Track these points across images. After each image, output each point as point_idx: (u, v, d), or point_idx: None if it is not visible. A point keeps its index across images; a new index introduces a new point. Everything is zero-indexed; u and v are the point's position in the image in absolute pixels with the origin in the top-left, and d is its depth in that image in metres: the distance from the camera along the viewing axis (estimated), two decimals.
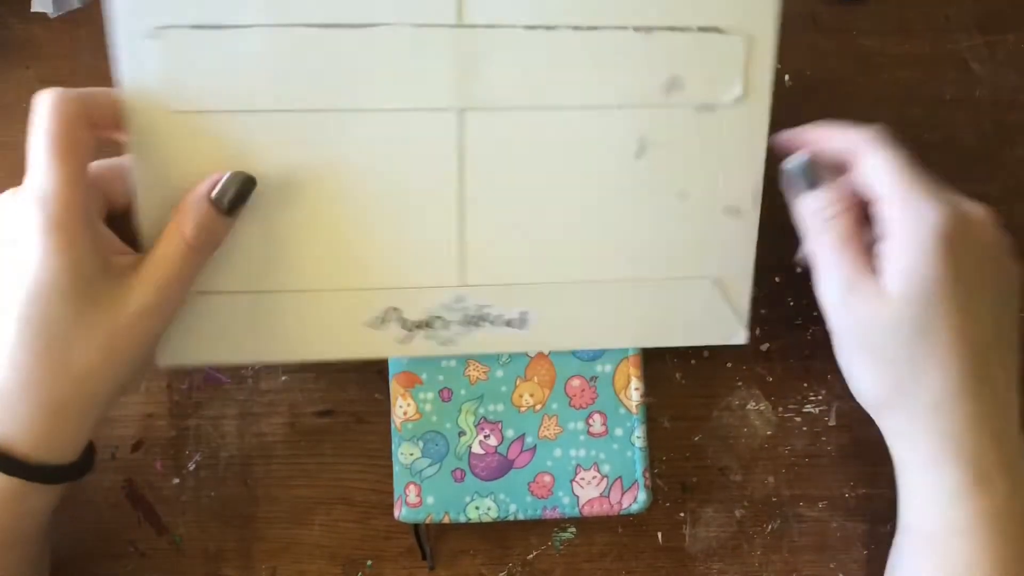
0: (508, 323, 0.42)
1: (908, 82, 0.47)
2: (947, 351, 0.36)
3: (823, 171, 0.39)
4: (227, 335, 0.40)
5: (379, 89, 0.38)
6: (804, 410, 0.46)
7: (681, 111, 0.40)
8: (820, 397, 0.46)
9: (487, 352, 0.43)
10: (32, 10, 0.46)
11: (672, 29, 0.38)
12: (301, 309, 0.40)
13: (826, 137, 0.40)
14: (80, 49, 0.47)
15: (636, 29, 0.38)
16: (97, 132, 0.37)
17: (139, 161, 0.38)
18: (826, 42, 0.48)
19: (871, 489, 0.45)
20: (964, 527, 0.37)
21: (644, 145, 0.40)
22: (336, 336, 0.41)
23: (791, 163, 0.39)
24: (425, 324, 0.41)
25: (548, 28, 0.38)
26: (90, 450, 0.40)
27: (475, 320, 0.42)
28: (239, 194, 0.38)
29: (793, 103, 0.48)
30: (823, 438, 0.46)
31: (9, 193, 0.37)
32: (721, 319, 0.42)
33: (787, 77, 0.47)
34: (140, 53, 0.37)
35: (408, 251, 0.40)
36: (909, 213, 0.36)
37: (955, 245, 0.36)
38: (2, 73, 0.47)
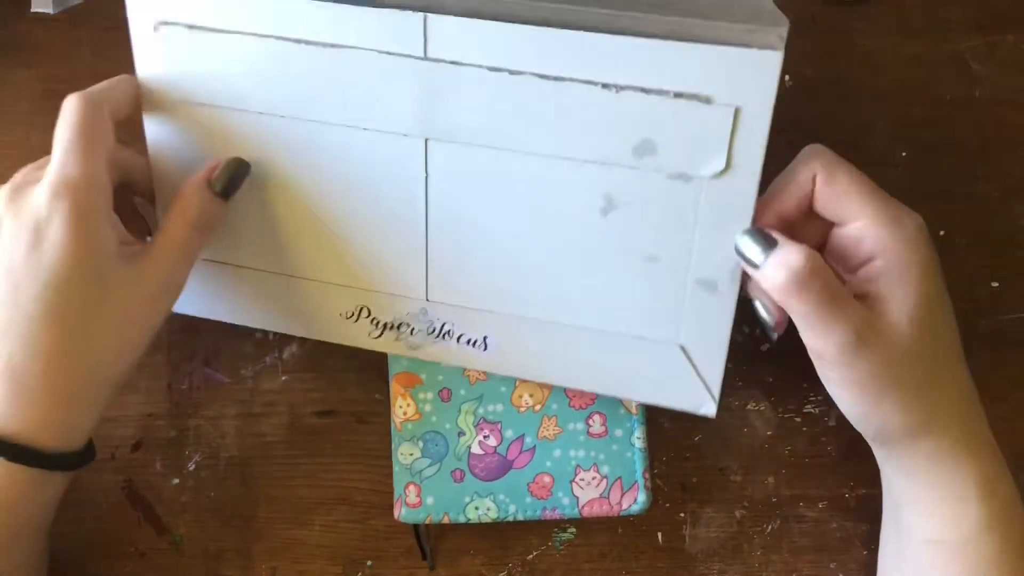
0: (470, 343, 0.42)
1: (908, 82, 0.47)
2: (956, 360, 0.37)
3: (771, 233, 0.36)
4: (229, 299, 0.44)
5: (350, 108, 0.39)
6: (804, 410, 0.46)
7: (653, 175, 0.37)
8: (820, 397, 0.46)
9: (452, 364, 0.43)
10: (32, 10, 0.46)
11: (645, 91, 0.35)
12: (289, 291, 0.43)
13: (775, 193, 0.38)
14: (80, 49, 0.47)
15: (604, 86, 0.36)
16: (118, 123, 0.39)
17: (154, 142, 0.41)
18: (826, 42, 0.48)
19: (871, 489, 0.45)
20: (991, 524, 0.37)
21: (611, 203, 0.38)
22: (317, 320, 0.43)
23: (742, 236, 0.36)
24: (394, 327, 0.42)
25: (512, 73, 0.36)
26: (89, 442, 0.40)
27: (439, 334, 0.42)
28: (233, 179, 0.40)
29: (793, 103, 0.47)
30: (823, 438, 0.46)
31: (27, 171, 0.38)
32: (688, 385, 0.40)
33: (787, 77, 0.47)
34: (148, 44, 0.40)
35: (379, 258, 0.41)
36: (898, 238, 0.35)
37: (932, 258, 0.36)
38: (2, 73, 0.47)
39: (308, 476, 0.46)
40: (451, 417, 0.44)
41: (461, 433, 0.44)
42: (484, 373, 0.44)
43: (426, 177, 0.39)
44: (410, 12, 0.36)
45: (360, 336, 0.43)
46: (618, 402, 0.43)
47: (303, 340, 0.46)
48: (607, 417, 0.44)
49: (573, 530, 0.46)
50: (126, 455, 0.46)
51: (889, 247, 0.35)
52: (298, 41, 0.38)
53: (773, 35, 0.34)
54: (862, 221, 0.36)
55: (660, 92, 0.35)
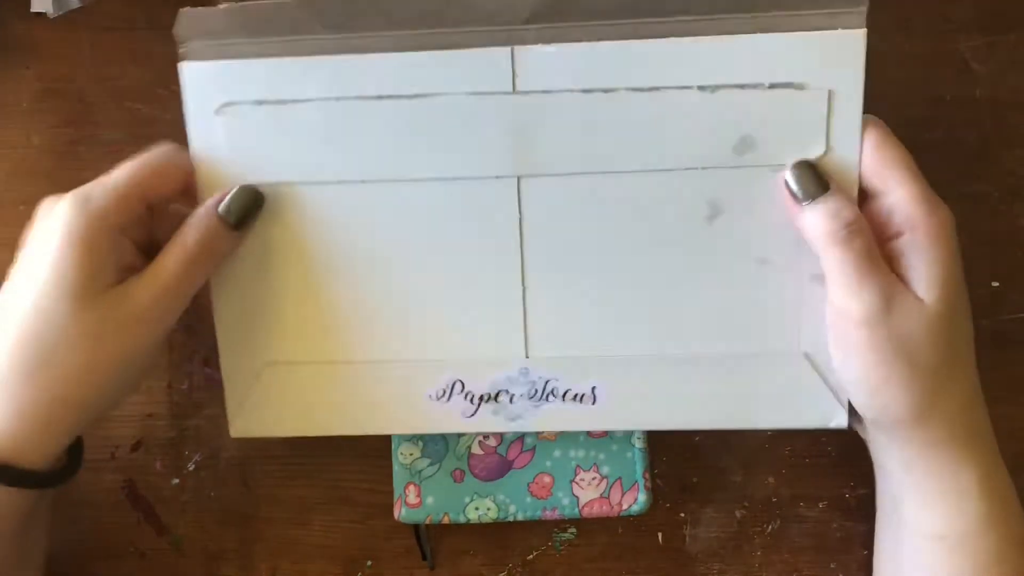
0: (577, 398, 0.40)
1: (908, 82, 0.47)
2: (969, 354, 0.37)
3: (823, 174, 0.37)
4: (295, 406, 0.41)
5: (437, 158, 0.38)
6: None
7: (756, 171, 0.37)
8: None
9: (560, 429, 0.41)
10: (32, 10, 0.46)
11: (740, 87, 0.36)
12: (367, 380, 0.40)
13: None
14: (80, 49, 0.47)
15: (701, 88, 0.36)
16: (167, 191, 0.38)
17: None
18: None
19: (871, 489, 0.45)
20: (990, 520, 0.37)
21: (716, 208, 0.38)
22: (401, 409, 0.40)
23: (798, 165, 0.37)
24: (491, 398, 0.40)
25: (605, 91, 0.36)
26: (75, 459, 0.39)
27: (542, 395, 0.40)
28: (244, 208, 0.38)
29: None
30: (823, 438, 0.46)
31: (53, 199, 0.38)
32: (815, 397, 0.39)
33: None
34: (208, 128, 0.38)
35: (471, 322, 0.39)
36: (933, 220, 0.35)
37: (958, 251, 0.37)
38: (2, 73, 0.47)
39: (308, 476, 0.46)
40: None
41: (461, 433, 0.44)
42: None
43: (520, 219, 0.38)
44: (497, 48, 0.36)
45: (452, 418, 0.40)
46: None
47: None
48: None
49: (573, 530, 0.46)
50: (126, 455, 0.46)
51: (920, 226, 0.36)
52: (379, 97, 0.37)
53: (855, 15, 0.36)
54: (899, 195, 0.36)
55: (755, 86, 0.36)
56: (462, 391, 0.40)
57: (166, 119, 0.46)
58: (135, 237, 0.38)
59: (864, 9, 0.36)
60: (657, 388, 0.40)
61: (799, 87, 0.36)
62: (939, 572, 0.38)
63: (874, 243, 0.36)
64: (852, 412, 0.40)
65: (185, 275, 0.37)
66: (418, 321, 0.40)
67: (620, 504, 0.43)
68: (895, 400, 0.36)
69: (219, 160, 0.38)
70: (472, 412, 0.40)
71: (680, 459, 0.46)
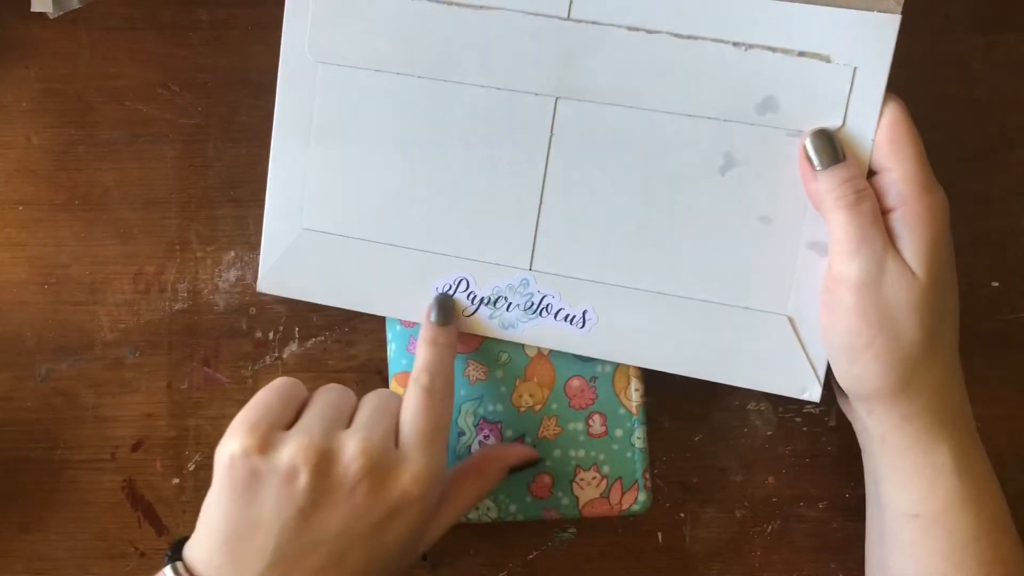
0: (568, 319, 0.42)
1: (908, 82, 0.47)
2: (951, 333, 0.38)
3: (840, 146, 0.38)
4: (319, 275, 0.43)
5: (488, 68, 0.41)
6: (804, 410, 0.46)
7: (773, 132, 0.39)
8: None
9: (545, 346, 0.43)
10: (32, 10, 0.46)
11: (772, 49, 0.39)
12: (385, 262, 0.43)
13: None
14: (80, 49, 0.47)
15: (735, 44, 0.39)
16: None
17: (283, 100, 0.42)
18: None
19: None
20: (966, 498, 0.38)
21: (730, 161, 0.40)
22: (409, 296, 0.43)
23: (817, 133, 0.38)
24: (491, 302, 0.42)
25: (649, 32, 0.39)
26: None
27: (537, 309, 0.42)
28: (446, 309, 0.42)
29: None
30: (823, 438, 0.46)
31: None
32: (793, 366, 0.41)
33: None
34: (301, 6, 0.41)
35: (488, 224, 0.42)
36: (925, 200, 0.37)
37: (947, 232, 0.38)
38: (2, 73, 0.47)
39: None
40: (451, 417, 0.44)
41: (461, 433, 0.44)
42: (484, 373, 0.44)
43: (550, 137, 0.41)
44: None
45: None
46: (618, 402, 0.43)
47: (303, 339, 0.46)
48: (607, 417, 0.44)
49: (573, 530, 0.45)
50: (126, 455, 0.46)
51: (911, 204, 0.37)
52: (448, 4, 0.40)
53: (893, 1, 0.38)
54: (899, 172, 0.37)
55: (785, 51, 0.38)
56: (466, 289, 0.42)
57: (166, 119, 0.46)
58: None
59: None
60: (644, 325, 0.42)
61: (826, 59, 0.38)
62: (916, 551, 0.38)
63: (879, 213, 0.37)
64: (838, 390, 0.40)
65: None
66: (441, 216, 0.42)
67: (620, 504, 0.43)
68: (874, 369, 0.38)
69: (303, 40, 0.42)
70: (471, 312, 0.42)
71: (680, 459, 0.46)
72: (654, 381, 0.45)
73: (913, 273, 0.37)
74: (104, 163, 0.47)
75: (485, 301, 0.42)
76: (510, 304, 0.42)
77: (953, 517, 0.38)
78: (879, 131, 0.38)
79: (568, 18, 0.40)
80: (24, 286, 0.46)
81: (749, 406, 0.46)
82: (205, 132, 0.46)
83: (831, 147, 0.38)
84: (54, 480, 0.46)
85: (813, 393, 0.41)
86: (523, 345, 0.43)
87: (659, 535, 0.46)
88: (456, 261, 0.42)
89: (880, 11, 0.38)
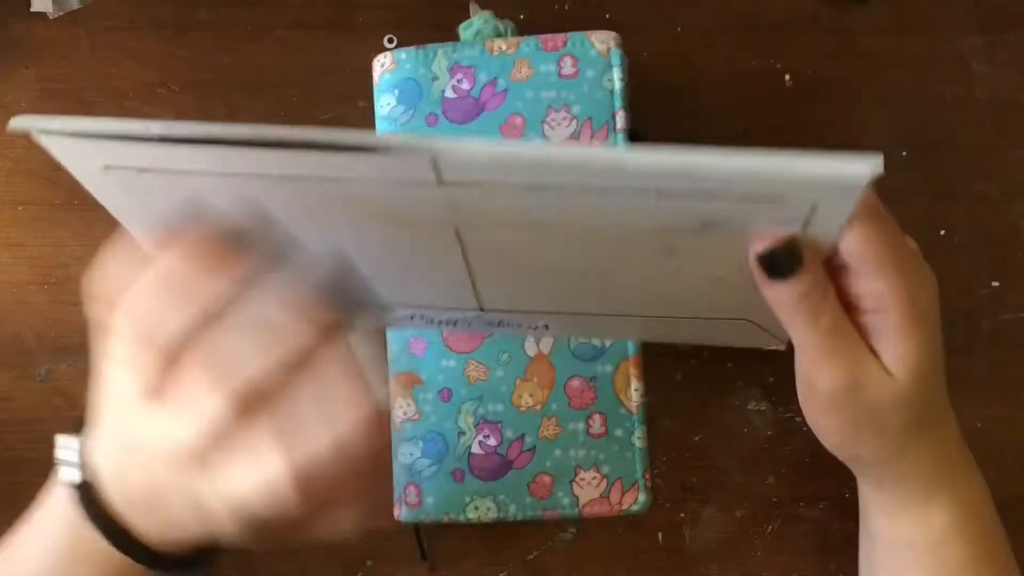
0: (532, 328, 0.41)
1: (908, 82, 0.47)
2: (942, 404, 0.37)
3: (799, 251, 0.32)
4: None
5: (370, 215, 0.32)
6: None
7: (719, 235, 0.31)
8: None
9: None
10: (32, 10, 0.46)
11: (708, 195, 0.29)
12: None
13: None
14: (80, 49, 0.47)
15: (659, 194, 0.28)
16: None
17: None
18: (826, 42, 0.48)
19: None
20: (959, 530, 0.37)
21: (673, 249, 0.33)
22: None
23: (773, 246, 0.32)
24: (451, 323, 0.40)
25: (554, 187, 0.29)
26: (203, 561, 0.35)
27: (497, 324, 0.40)
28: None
29: (793, 103, 0.48)
30: None
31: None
32: (760, 338, 0.40)
33: (787, 77, 0.47)
34: (101, 185, 0.31)
35: (425, 289, 0.37)
36: (904, 290, 0.34)
37: (936, 317, 0.35)
38: (2, 73, 0.47)
39: None
40: (451, 417, 0.44)
41: (461, 433, 0.44)
42: (484, 373, 0.44)
43: (463, 250, 0.33)
44: (418, 153, 0.27)
45: (420, 325, 0.40)
46: (618, 402, 0.43)
47: None
48: (607, 417, 0.44)
49: (573, 530, 0.45)
50: None
51: (893, 313, 0.34)
52: (284, 178, 0.29)
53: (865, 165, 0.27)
54: (877, 285, 0.34)
55: (728, 196, 0.29)
56: (423, 319, 0.39)
57: (165, 119, 0.46)
58: None
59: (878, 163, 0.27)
60: (608, 330, 0.41)
61: (781, 199, 0.29)
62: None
63: (843, 317, 0.34)
64: None
65: None
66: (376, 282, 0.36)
67: (620, 504, 0.43)
68: (863, 453, 0.37)
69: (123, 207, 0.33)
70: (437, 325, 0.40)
71: (680, 459, 0.46)
72: (654, 381, 0.45)
73: (892, 375, 0.35)
74: None
75: (446, 323, 0.40)
76: (470, 323, 0.39)
77: (946, 546, 0.37)
78: (850, 241, 0.33)
79: (440, 183, 0.28)
80: (24, 286, 0.46)
81: (749, 406, 0.46)
82: None
83: (786, 260, 0.32)
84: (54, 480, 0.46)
85: (779, 343, 0.39)
86: (523, 345, 0.43)
87: (659, 535, 0.46)
88: (402, 307, 0.38)
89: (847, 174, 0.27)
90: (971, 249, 0.46)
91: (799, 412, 0.46)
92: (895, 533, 0.39)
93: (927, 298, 0.35)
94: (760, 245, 0.32)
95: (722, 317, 0.39)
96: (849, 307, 0.35)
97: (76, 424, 0.33)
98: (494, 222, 0.31)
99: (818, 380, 0.35)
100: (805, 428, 0.46)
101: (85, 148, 0.29)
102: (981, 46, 0.47)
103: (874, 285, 0.34)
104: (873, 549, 0.40)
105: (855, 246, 0.34)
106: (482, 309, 0.38)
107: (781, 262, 0.32)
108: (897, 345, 0.35)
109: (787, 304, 0.34)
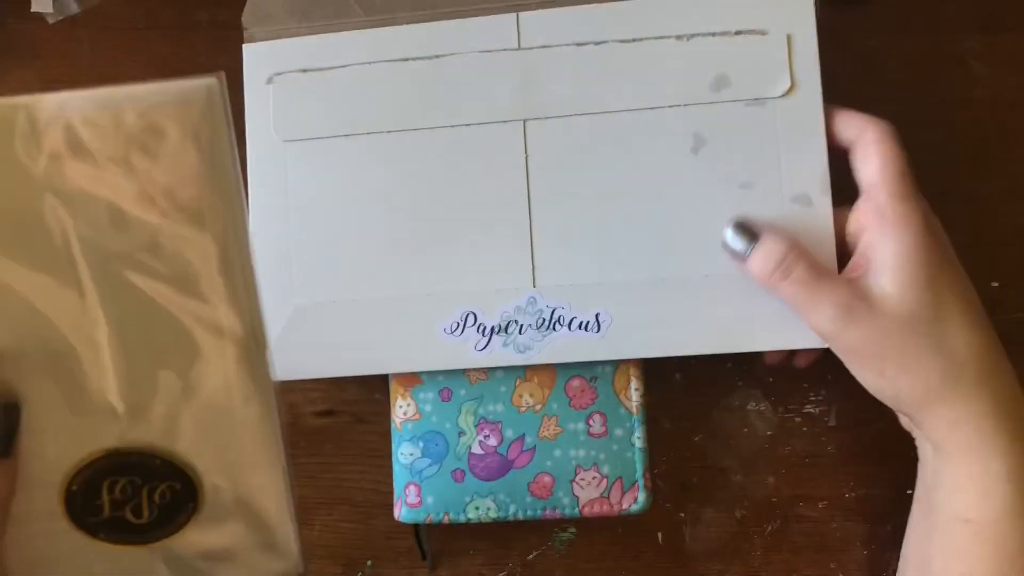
0: (583, 326, 0.42)
1: (908, 82, 0.47)
2: (970, 324, 0.38)
3: (754, 225, 0.40)
4: (323, 346, 0.43)
5: (452, 108, 0.43)
6: (804, 410, 0.46)
7: (732, 106, 0.42)
8: (820, 397, 0.46)
9: (565, 361, 0.42)
10: (32, 10, 0.46)
11: (711, 35, 0.42)
12: (387, 317, 0.43)
13: (837, 119, 0.41)
14: (80, 49, 0.47)
15: (677, 37, 0.42)
16: None
17: (256, 185, 0.43)
18: (826, 42, 0.48)
19: (871, 490, 0.45)
20: (1019, 510, 0.37)
21: (700, 140, 0.42)
22: (418, 346, 0.42)
23: (729, 230, 0.40)
24: (502, 329, 0.42)
25: (596, 44, 0.42)
26: None
27: (549, 324, 0.42)
28: (9, 431, 0.30)
29: None
30: (823, 438, 0.46)
31: None
32: (797, 319, 0.41)
33: None
34: (261, 97, 0.43)
35: (484, 255, 0.42)
36: (898, 204, 0.37)
37: (936, 232, 0.38)
38: (2, 73, 0.47)
39: (308, 476, 0.46)
40: (451, 417, 0.44)
41: (461, 433, 0.44)
42: (484, 373, 0.44)
43: (526, 158, 0.42)
44: (503, 15, 0.43)
45: (466, 352, 0.42)
46: (618, 402, 0.43)
47: None
48: (607, 417, 0.44)
49: (573, 530, 0.46)
50: None
51: (887, 217, 0.37)
52: (403, 60, 0.43)
53: None
54: (877, 190, 0.38)
55: (723, 33, 0.42)
56: (475, 323, 0.42)
57: None
58: None
59: None
60: (654, 313, 0.42)
61: (761, 32, 0.42)
62: (965, 557, 0.38)
63: (815, 262, 0.39)
64: None
65: None
66: (435, 257, 0.43)
67: (620, 504, 0.43)
68: (898, 389, 0.38)
69: (267, 124, 0.43)
70: (484, 344, 0.42)
71: (680, 459, 0.46)
72: (654, 381, 0.45)
73: (886, 293, 0.37)
74: None
75: (496, 330, 0.42)
76: (522, 326, 0.42)
77: (1005, 526, 0.37)
78: (861, 145, 0.39)
79: (519, 48, 0.43)
80: None
81: (749, 406, 0.46)
82: None
83: (744, 232, 0.40)
84: None
85: (814, 338, 0.41)
86: None
87: (659, 535, 0.46)
88: (458, 297, 0.42)
89: None
90: (971, 249, 0.46)
91: (799, 412, 0.46)
92: (956, 506, 0.38)
93: (922, 213, 0.38)
94: (724, 236, 0.40)
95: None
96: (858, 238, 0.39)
97: None
98: (557, 108, 0.42)
99: (819, 325, 0.38)
100: (805, 429, 0.46)
101: (280, 50, 0.43)
102: (981, 46, 0.47)
103: (874, 198, 0.38)
104: (932, 521, 0.40)
105: (867, 160, 0.39)
106: (535, 287, 0.42)
107: (740, 238, 0.40)
108: (883, 261, 0.37)
109: (763, 272, 0.39)
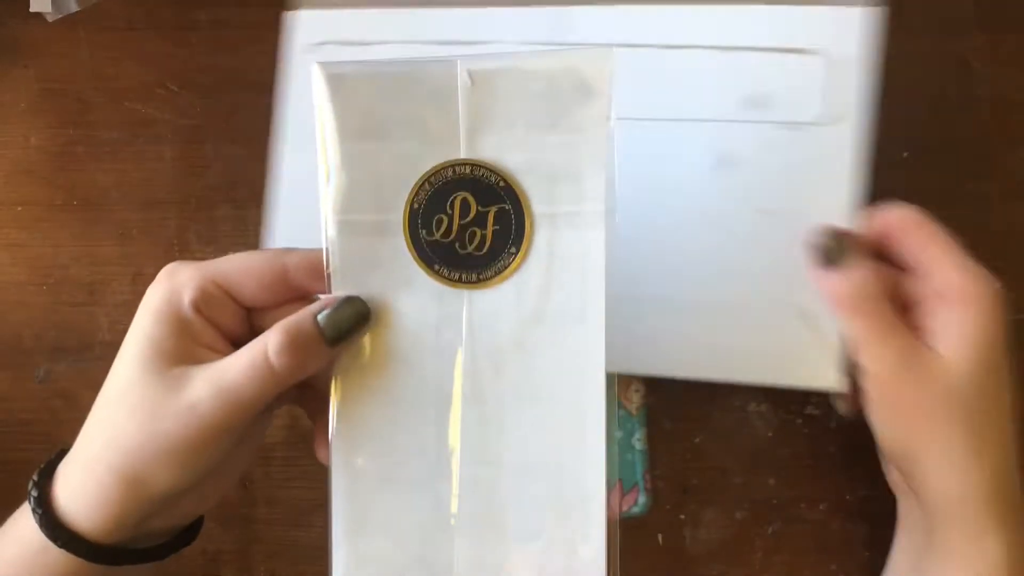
0: None
1: (908, 82, 0.47)
2: (1000, 422, 0.37)
3: (848, 236, 0.37)
4: None
5: None
6: (805, 412, 0.46)
7: (761, 127, 0.41)
8: (821, 399, 0.46)
9: None
10: (31, 10, 0.46)
11: (750, 49, 0.41)
12: None
13: (861, 217, 0.39)
14: (79, 49, 0.47)
15: (715, 48, 0.41)
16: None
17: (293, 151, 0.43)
18: None
19: (872, 491, 0.45)
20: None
21: (722, 159, 0.40)
22: None
23: (822, 236, 0.37)
24: None
25: (634, 46, 0.42)
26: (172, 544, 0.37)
27: None
28: (348, 324, 0.33)
29: None
30: (824, 440, 0.46)
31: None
32: (808, 356, 0.40)
33: None
34: (302, 64, 0.44)
35: None
36: (970, 281, 0.36)
37: (999, 322, 0.36)
38: (1, 73, 0.47)
39: (307, 477, 0.45)
40: None
41: None
42: None
43: None
44: (547, 7, 0.43)
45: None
46: (619, 403, 0.43)
47: None
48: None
49: None
50: None
51: (957, 292, 0.36)
52: (442, 43, 0.43)
53: None
54: (941, 267, 0.36)
55: (765, 49, 0.41)
56: None
57: (165, 119, 0.46)
58: (227, 329, 0.34)
59: None
60: (658, 334, 0.41)
61: (803, 52, 0.40)
62: None
63: (889, 307, 0.36)
64: (883, 461, 0.40)
65: (260, 383, 0.32)
66: None
67: (620, 505, 0.43)
68: (918, 449, 0.36)
69: (308, 92, 0.42)
70: None
71: (680, 460, 0.46)
72: (655, 382, 0.45)
73: (945, 360, 0.35)
74: (103, 163, 0.47)
75: None
76: None
77: None
78: (905, 225, 0.37)
79: (553, 43, 0.43)
80: (23, 286, 0.46)
81: (750, 407, 0.46)
82: (204, 132, 0.46)
83: (839, 246, 0.37)
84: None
85: (830, 379, 0.40)
86: None
87: (659, 536, 0.45)
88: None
89: (855, 6, 0.40)
90: (971, 249, 0.46)
91: (799, 413, 0.46)
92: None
93: (993, 289, 0.36)
94: (812, 234, 0.36)
95: (766, 302, 0.40)
96: (904, 307, 0.37)
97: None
98: None
99: (874, 368, 0.36)
100: (805, 430, 0.46)
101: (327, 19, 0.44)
102: (981, 46, 0.47)
103: (936, 276, 0.36)
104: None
105: (918, 240, 0.37)
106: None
107: (832, 250, 0.36)
108: (948, 331, 0.36)
109: (841, 296, 0.36)
